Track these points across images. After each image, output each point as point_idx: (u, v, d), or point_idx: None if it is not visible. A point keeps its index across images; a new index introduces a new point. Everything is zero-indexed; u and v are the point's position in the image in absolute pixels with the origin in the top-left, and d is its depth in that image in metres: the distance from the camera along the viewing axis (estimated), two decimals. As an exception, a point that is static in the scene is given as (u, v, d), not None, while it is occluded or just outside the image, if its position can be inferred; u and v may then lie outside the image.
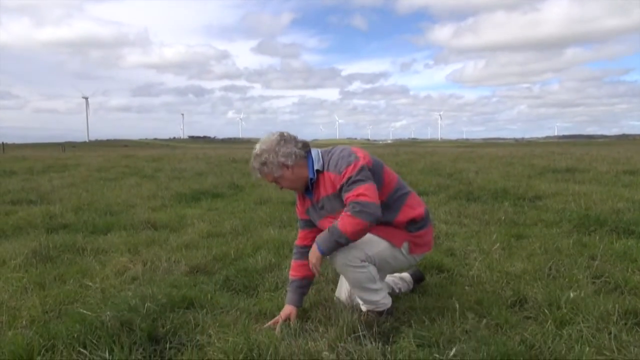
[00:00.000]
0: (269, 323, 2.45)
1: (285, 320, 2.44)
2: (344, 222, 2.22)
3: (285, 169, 2.39)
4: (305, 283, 2.60)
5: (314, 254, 2.34)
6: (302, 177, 2.43)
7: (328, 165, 2.39)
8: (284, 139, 2.41)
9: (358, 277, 2.37)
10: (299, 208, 2.64)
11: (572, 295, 2.59)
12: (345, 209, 2.25)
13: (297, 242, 2.68)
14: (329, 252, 2.31)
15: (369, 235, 2.34)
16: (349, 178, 2.26)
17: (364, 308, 2.49)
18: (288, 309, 2.52)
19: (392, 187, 2.46)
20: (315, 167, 2.40)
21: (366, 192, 2.22)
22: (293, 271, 2.62)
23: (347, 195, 2.25)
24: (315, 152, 2.45)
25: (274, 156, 2.37)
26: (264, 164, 2.39)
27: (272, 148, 2.38)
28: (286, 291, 2.65)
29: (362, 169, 2.29)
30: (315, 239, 2.36)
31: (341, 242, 2.27)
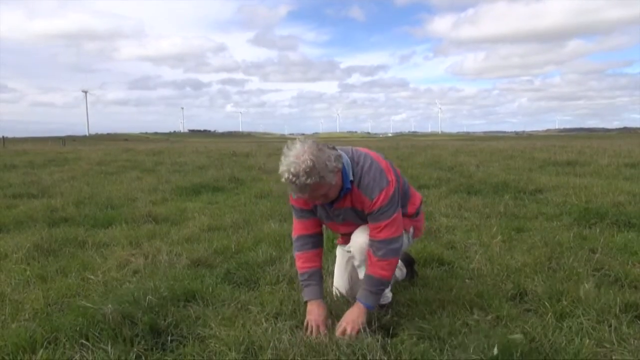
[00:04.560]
0: (310, 332, 2.18)
1: (324, 324, 2.22)
2: (378, 269, 2.21)
3: (335, 177, 2.10)
4: (322, 273, 2.45)
5: (360, 314, 2.19)
6: (340, 185, 2.18)
7: (360, 180, 2.20)
8: (319, 143, 2.12)
9: None
10: (301, 200, 2.34)
11: (586, 286, 2.61)
12: (373, 249, 2.22)
13: (299, 232, 2.42)
14: (377, 304, 2.30)
15: None
16: (380, 208, 2.18)
17: None
18: (321, 309, 2.27)
19: (402, 185, 2.43)
20: (350, 178, 2.20)
21: (392, 224, 2.20)
22: (309, 262, 2.38)
23: (374, 227, 2.21)
24: (345, 160, 2.20)
25: (329, 164, 2.04)
26: (322, 177, 2.03)
27: (322, 156, 2.03)
28: (302, 286, 2.39)
29: (392, 197, 2.20)
30: (358, 300, 2.23)
31: (384, 288, 2.29)
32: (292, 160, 2.01)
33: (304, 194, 2.08)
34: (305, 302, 2.36)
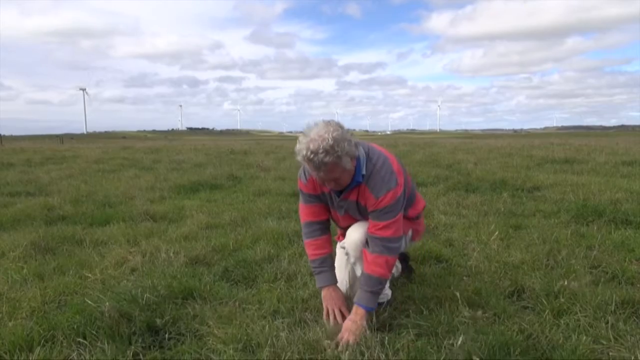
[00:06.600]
0: (334, 318, 2.23)
1: (345, 308, 2.24)
2: (374, 266, 2.18)
3: (350, 162, 2.09)
4: (333, 259, 2.44)
5: (361, 318, 2.13)
6: (352, 174, 2.17)
7: (369, 177, 2.19)
8: (343, 126, 2.06)
9: None
10: (310, 185, 2.33)
11: (575, 284, 2.62)
12: (369, 246, 2.22)
13: (307, 218, 2.40)
14: (376, 305, 2.24)
15: None
16: (385, 207, 2.17)
17: None
18: (337, 293, 2.29)
19: (409, 189, 2.43)
20: (362, 172, 2.18)
21: (393, 225, 2.19)
22: (320, 249, 2.37)
23: (375, 224, 2.19)
24: (361, 152, 2.19)
25: (349, 146, 2.01)
26: (339, 157, 2.00)
27: (344, 137, 2.00)
28: (314, 273, 2.39)
29: (398, 199, 2.20)
30: (356, 302, 2.19)
31: (382, 287, 2.23)
32: (313, 137, 1.98)
33: (319, 172, 2.04)
34: (320, 289, 2.34)
